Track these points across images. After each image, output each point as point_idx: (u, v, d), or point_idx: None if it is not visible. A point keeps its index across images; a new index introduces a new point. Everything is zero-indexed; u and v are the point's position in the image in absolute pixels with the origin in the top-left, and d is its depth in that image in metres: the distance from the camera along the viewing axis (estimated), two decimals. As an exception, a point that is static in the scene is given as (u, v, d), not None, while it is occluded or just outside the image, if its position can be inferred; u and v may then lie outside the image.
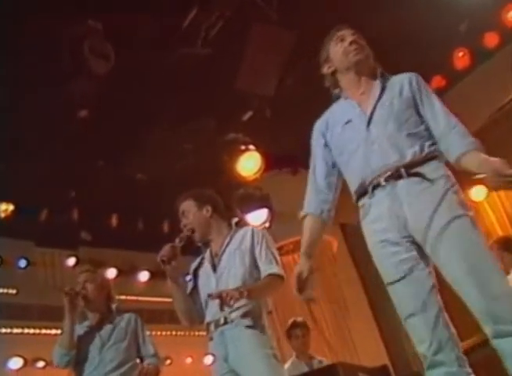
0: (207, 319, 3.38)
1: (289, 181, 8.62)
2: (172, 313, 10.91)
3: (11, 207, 8.02)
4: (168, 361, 9.50)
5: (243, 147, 7.27)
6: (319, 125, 3.03)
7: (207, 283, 3.42)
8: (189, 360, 10.12)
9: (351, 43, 2.88)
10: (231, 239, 3.49)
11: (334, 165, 2.95)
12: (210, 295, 3.25)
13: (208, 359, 10.27)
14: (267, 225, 7.51)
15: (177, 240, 3.41)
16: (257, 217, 7.51)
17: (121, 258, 9.79)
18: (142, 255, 10.09)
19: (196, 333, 10.47)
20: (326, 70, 2.97)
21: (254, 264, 3.41)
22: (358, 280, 9.28)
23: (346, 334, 8.38)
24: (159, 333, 9.60)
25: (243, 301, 3.27)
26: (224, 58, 6.18)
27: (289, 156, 8.06)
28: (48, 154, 7.07)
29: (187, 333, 10.31)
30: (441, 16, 6.30)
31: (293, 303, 7.45)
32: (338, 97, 3.02)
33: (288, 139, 7.52)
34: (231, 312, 3.28)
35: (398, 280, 2.61)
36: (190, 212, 3.49)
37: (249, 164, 7.28)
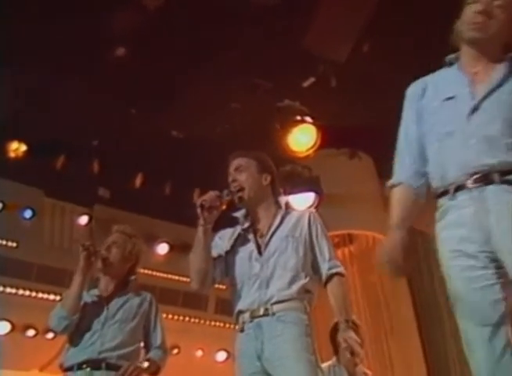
0: (240, 306, 3.34)
1: (344, 164, 8.62)
2: (188, 296, 11.12)
3: (23, 148, 8.17)
4: (175, 350, 9.67)
5: (298, 117, 7.24)
6: (414, 88, 2.89)
7: (248, 265, 3.41)
8: (199, 353, 10.34)
9: (476, 13, 2.68)
10: (281, 221, 3.48)
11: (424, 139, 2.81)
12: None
13: (221, 356, 10.65)
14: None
15: (225, 192, 3.41)
16: (302, 201, 7.41)
17: (139, 225, 9.77)
18: (164, 225, 10.31)
19: (212, 323, 10.67)
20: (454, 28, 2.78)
21: (310, 256, 3.42)
22: (408, 295, 9.14)
23: (386, 359, 8.33)
24: (170, 316, 9.85)
25: (289, 291, 3.29)
26: (294, 11, 6.17)
27: (350, 135, 8.01)
28: (73, 93, 7.20)
29: (201, 321, 10.52)
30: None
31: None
32: (451, 63, 2.87)
33: (352, 115, 7.49)
34: (274, 303, 3.31)
35: (466, 299, 2.55)
36: (247, 171, 3.47)
37: (302, 137, 7.26)
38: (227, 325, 10.53)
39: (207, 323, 10.52)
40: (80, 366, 3.93)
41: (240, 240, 3.51)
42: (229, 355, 10.34)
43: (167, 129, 8.20)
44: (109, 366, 3.92)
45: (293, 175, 7.55)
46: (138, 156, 8.36)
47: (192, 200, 9.32)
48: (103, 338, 4.00)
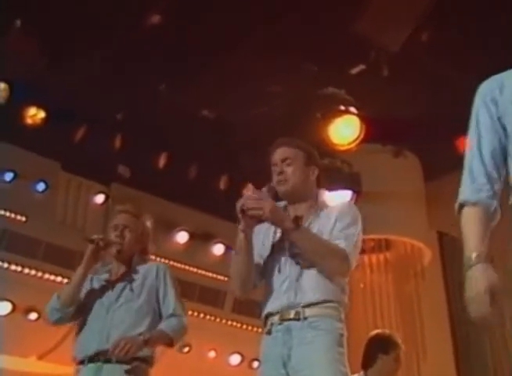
0: (270, 308, 3.36)
1: (387, 162, 8.56)
2: (204, 291, 11.15)
3: (41, 114, 8.17)
4: (186, 348, 9.71)
5: (342, 107, 7.21)
6: (489, 87, 2.63)
7: (280, 264, 3.44)
8: (211, 354, 10.36)
9: None
10: (315, 218, 3.50)
11: (504, 147, 2.54)
12: None
13: (235, 359, 10.66)
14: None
15: (265, 189, 3.42)
16: (338, 198, 7.36)
17: (159, 209, 9.86)
18: (185, 211, 10.36)
19: (228, 322, 10.69)
20: None
21: None
22: (445, 311, 9.08)
23: (416, 380, 8.32)
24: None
25: (322, 294, 3.30)
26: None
27: (397, 131, 7.95)
28: (100, 61, 7.25)
29: (217, 319, 10.55)
30: None
31: (358, 311, 7.43)
32: None
33: (402, 109, 7.44)
34: (306, 307, 3.33)
35: None
36: (295, 163, 3.48)
37: (345, 129, 7.23)
38: (244, 326, 10.59)
39: (223, 321, 10.53)
40: (91, 359, 3.97)
41: (275, 236, 3.52)
42: (244, 359, 10.39)
43: (198, 108, 8.20)
44: (120, 360, 3.90)
45: (331, 169, 7.52)
46: (164, 134, 8.37)
47: (218, 187, 9.40)
48: (109, 325, 4.03)
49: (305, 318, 3.25)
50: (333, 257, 3.26)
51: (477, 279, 2.28)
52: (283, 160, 3.51)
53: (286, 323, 3.28)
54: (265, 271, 3.47)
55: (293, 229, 3.26)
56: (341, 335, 3.28)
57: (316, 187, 3.57)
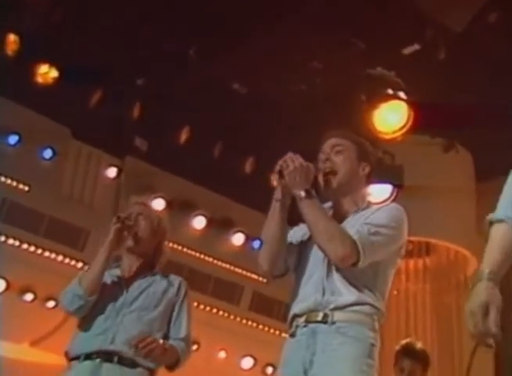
0: (296, 309, 3.35)
1: (436, 156, 8.47)
2: (220, 283, 11.14)
3: (54, 73, 8.15)
4: (194, 346, 9.69)
5: (389, 91, 7.16)
6: None
7: (313, 263, 3.43)
8: (221, 355, 10.39)
9: None
10: (355, 215, 3.49)
11: None
12: None
13: (247, 363, 10.66)
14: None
15: (312, 165, 3.42)
16: (376, 192, 7.33)
17: (175, 188, 10.03)
18: (205, 193, 10.34)
19: (243, 321, 10.68)
20: None
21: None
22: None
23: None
24: (195, 304, 9.73)
25: (355, 298, 3.27)
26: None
27: (450, 122, 7.87)
28: (124, 18, 7.24)
29: (231, 316, 10.57)
30: None
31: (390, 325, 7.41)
32: None
33: (458, 97, 7.36)
34: (335, 309, 3.32)
35: None
36: (346, 153, 3.47)
37: (391, 116, 7.16)
38: (260, 326, 10.60)
39: (238, 320, 10.54)
40: (88, 356, 3.96)
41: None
42: (256, 363, 10.43)
43: (229, 80, 8.19)
44: (123, 361, 3.93)
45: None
46: (189, 106, 8.33)
47: (243, 170, 9.37)
48: (117, 327, 4.03)
49: (333, 322, 3.23)
50: (336, 241, 3.22)
51: (478, 294, 2.41)
52: (333, 148, 3.51)
53: (311, 325, 3.27)
54: (300, 266, 3.48)
55: (303, 197, 3.26)
56: (372, 345, 3.24)
57: (365, 186, 3.57)
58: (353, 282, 3.29)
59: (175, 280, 4.27)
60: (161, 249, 4.34)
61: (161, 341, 3.96)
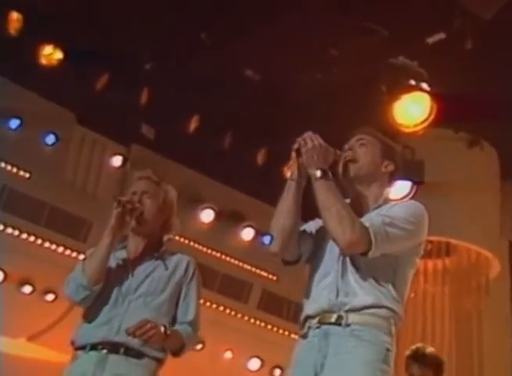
0: (309, 310, 3.36)
1: (459, 152, 8.46)
2: (227, 280, 11.11)
3: (58, 55, 8.10)
4: (199, 345, 9.69)
5: (412, 82, 7.13)
6: None
7: (328, 260, 3.41)
8: (227, 355, 10.38)
9: None
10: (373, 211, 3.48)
11: None
12: None
13: (254, 364, 10.64)
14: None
15: (332, 149, 3.42)
16: (395, 189, 7.34)
17: (183, 179, 9.79)
18: (213, 185, 10.33)
19: (251, 320, 10.67)
20: None
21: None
22: (511, 334, 8.94)
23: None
24: (201, 301, 9.67)
25: (371, 299, 3.26)
26: None
27: (476, 116, 7.83)
28: (131, 1, 7.22)
29: (238, 315, 10.55)
30: None
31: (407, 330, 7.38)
32: None
33: (485, 90, 7.31)
34: (350, 311, 3.28)
35: None
36: (370, 147, 3.54)
37: (412, 108, 7.15)
38: (269, 326, 10.58)
39: (245, 318, 10.52)
40: (94, 347, 3.95)
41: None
42: (264, 364, 10.42)
43: (241, 66, 8.15)
44: (129, 352, 3.92)
45: None
46: (199, 93, 8.29)
47: (255, 162, 9.34)
48: (123, 315, 4.01)
49: (348, 324, 3.23)
50: (346, 225, 3.21)
51: None
52: (358, 140, 3.57)
53: (324, 327, 3.27)
54: (314, 261, 3.49)
55: (319, 177, 3.28)
56: (388, 350, 3.24)
57: (387, 185, 3.57)
58: (370, 283, 3.29)
59: (183, 259, 4.21)
60: (169, 226, 4.29)
61: (162, 328, 3.92)
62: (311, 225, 3.54)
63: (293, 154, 3.35)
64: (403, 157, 7.44)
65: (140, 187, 4.21)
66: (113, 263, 4.14)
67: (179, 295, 4.13)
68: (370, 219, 3.27)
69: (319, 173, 3.26)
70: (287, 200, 3.41)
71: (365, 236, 3.19)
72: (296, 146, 3.33)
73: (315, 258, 3.49)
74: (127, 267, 4.14)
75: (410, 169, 7.73)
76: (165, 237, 4.27)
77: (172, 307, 4.11)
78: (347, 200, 3.46)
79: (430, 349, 5.97)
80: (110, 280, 4.08)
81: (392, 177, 3.58)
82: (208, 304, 10.05)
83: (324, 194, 3.28)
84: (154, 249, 4.20)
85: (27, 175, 9.31)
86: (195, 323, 4.11)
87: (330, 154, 3.35)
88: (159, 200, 4.22)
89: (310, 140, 3.31)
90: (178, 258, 4.20)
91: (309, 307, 3.38)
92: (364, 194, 3.52)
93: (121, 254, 4.19)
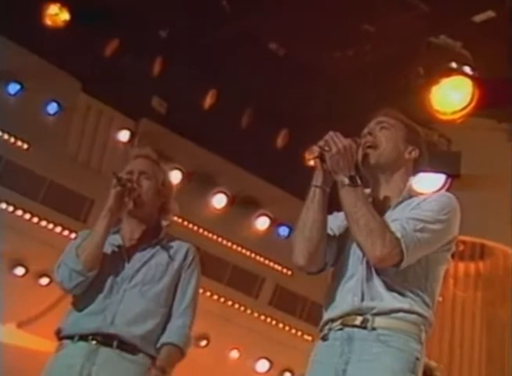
0: (331, 313, 3.34)
1: (500, 145, 8.35)
2: (238, 272, 11.11)
3: (65, 16, 8.12)
4: (203, 342, 9.71)
5: (453, 65, 7.07)
6: None
7: (351, 260, 3.39)
8: (233, 354, 10.38)
9: None
10: (394, 208, 3.45)
11: None
12: None
13: (262, 366, 10.62)
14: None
15: (353, 143, 3.35)
16: (427, 182, 7.32)
17: (195, 159, 10.01)
18: (227, 168, 10.27)
19: (261, 317, 10.64)
20: None
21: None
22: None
23: None
24: (207, 294, 9.84)
25: (400, 303, 3.23)
26: None
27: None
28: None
29: (247, 311, 10.53)
30: None
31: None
32: None
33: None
34: (377, 315, 3.26)
35: None
36: (392, 130, 3.50)
37: (452, 94, 7.06)
38: (280, 325, 10.58)
39: (255, 315, 10.51)
40: (83, 337, 3.97)
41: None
42: (272, 366, 10.43)
43: (265, 39, 8.15)
44: (123, 346, 3.94)
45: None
46: (217, 66, 8.34)
47: (274, 144, 9.32)
48: (117, 305, 4.04)
49: (374, 328, 3.21)
50: (376, 238, 3.19)
51: None
52: (379, 123, 3.54)
53: (348, 330, 3.25)
54: (338, 261, 3.48)
55: (346, 184, 3.26)
56: (417, 359, 3.21)
57: (412, 172, 3.53)
58: (398, 286, 3.27)
59: (182, 246, 4.26)
60: (167, 209, 4.32)
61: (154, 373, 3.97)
62: (333, 223, 3.49)
63: (317, 161, 3.33)
64: (430, 139, 7.46)
65: (137, 167, 4.21)
66: (108, 249, 4.14)
67: (177, 284, 4.17)
68: (401, 225, 3.23)
69: (346, 180, 3.25)
70: (312, 210, 3.38)
71: (396, 249, 3.18)
72: (317, 150, 3.30)
73: (338, 260, 3.48)
74: (122, 253, 4.17)
75: (445, 161, 7.69)
76: (163, 222, 4.29)
77: (170, 297, 4.14)
78: (367, 190, 3.45)
79: (433, 364, 5.99)
80: (104, 266, 4.08)
81: (417, 164, 3.55)
82: (215, 297, 10.07)
83: (352, 203, 3.28)
84: (152, 235, 4.23)
85: (25, 147, 9.30)
86: (189, 311, 4.17)
87: (355, 154, 3.33)
88: (158, 181, 4.25)
89: (333, 144, 3.28)
90: (177, 244, 4.25)
91: (331, 311, 3.37)
92: (386, 184, 3.50)
93: (115, 239, 4.20)
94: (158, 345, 4.03)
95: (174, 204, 4.37)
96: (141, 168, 4.20)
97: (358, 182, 3.28)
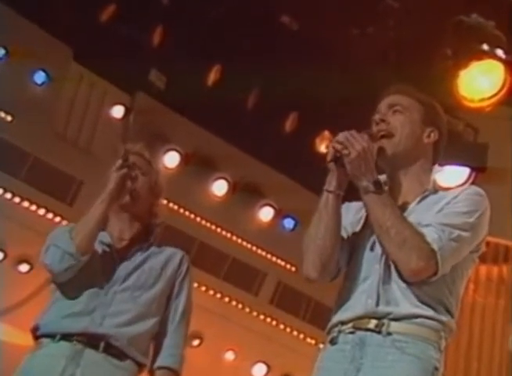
0: (342, 315, 3.32)
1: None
2: (237, 266, 11.14)
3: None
4: (196, 341, 9.70)
5: (485, 47, 7.02)
6: None
7: (366, 258, 3.38)
8: (228, 355, 10.39)
9: None
10: (418, 203, 3.42)
11: None
12: None
13: (259, 370, 10.60)
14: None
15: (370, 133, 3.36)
16: (450, 175, 7.33)
17: (194, 140, 10.00)
18: (229, 151, 10.23)
19: (261, 316, 10.64)
20: None
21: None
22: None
23: None
24: (202, 288, 9.85)
25: (417, 308, 3.21)
26: None
27: None
28: None
29: (246, 309, 10.53)
30: None
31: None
32: None
33: None
34: (393, 320, 3.23)
35: None
36: (407, 114, 3.45)
37: (482, 79, 7.02)
38: (281, 326, 10.58)
39: (254, 314, 10.52)
40: (66, 337, 3.99)
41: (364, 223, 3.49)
42: (270, 371, 10.41)
43: (277, 12, 8.14)
44: (110, 350, 3.97)
45: (450, 135, 7.44)
46: (222, 38, 8.36)
47: (282, 128, 9.29)
48: (106, 308, 4.08)
49: (389, 333, 3.20)
50: (410, 250, 3.18)
51: None
52: (391, 107, 3.48)
53: (360, 333, 3.24)
54: (352, 260, 3.46)
55: (371, 191, 3.24)
56: (435, 369, 3.18)
57: (432, 159, 3.49)
58: (418, 290, 3.26)
59: (176, 254, 4.35)
60: (156, 211, 4.38)
61: None
62: (345, 220, 3.47)
63: (331, 164, 3.29)
64: (456, 133, 7.42)
65: (133, 162, 4.27)
66: (98, 248, 4.19)
67: (171, 293, 4.27)
68: (437, 235, 3.20)
69: (371, 187, 3.23)
70: (325, 217, 3.36)
71: (432, 261, 3.17)
72: (332, 152, 3.26)
73: (351, 259, 3.46)
74: (112, 254, 4.22)
75: (471, 153, 7.68)
76: (154, 225, 4.38)
77: (162, 306, 4.23)
78: (383, 176, 3.44)
79: None
80: (91, 265, 4.10)
81: (437, 148, 3.51)
82: (211, 292, 10.08)
83: (380, 212, 3.26)
84: (143, 237, 4.30)
85: (9, 118, 9.29)
86: (182, 327, 4.25)
87: (374, 152, 3.31)
88: (152, 179, 4.33)
89: (351, 146, 3.24)
90: (170, 251, 4.34)
91: (342, 313, 3.35)
92: (405, 175, 3.47)
93: (103, 236, 4.24)
94: (154, 367, 4.09)
95: (163, 206, 4.48)
96: (135, 163, 4.26)
97: (384, 187, 3.27)
